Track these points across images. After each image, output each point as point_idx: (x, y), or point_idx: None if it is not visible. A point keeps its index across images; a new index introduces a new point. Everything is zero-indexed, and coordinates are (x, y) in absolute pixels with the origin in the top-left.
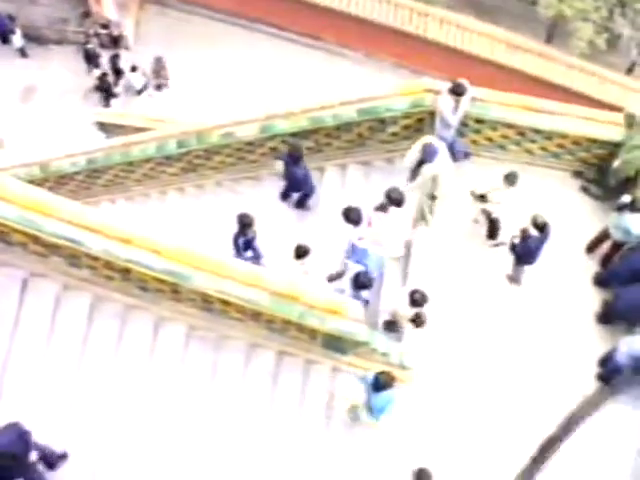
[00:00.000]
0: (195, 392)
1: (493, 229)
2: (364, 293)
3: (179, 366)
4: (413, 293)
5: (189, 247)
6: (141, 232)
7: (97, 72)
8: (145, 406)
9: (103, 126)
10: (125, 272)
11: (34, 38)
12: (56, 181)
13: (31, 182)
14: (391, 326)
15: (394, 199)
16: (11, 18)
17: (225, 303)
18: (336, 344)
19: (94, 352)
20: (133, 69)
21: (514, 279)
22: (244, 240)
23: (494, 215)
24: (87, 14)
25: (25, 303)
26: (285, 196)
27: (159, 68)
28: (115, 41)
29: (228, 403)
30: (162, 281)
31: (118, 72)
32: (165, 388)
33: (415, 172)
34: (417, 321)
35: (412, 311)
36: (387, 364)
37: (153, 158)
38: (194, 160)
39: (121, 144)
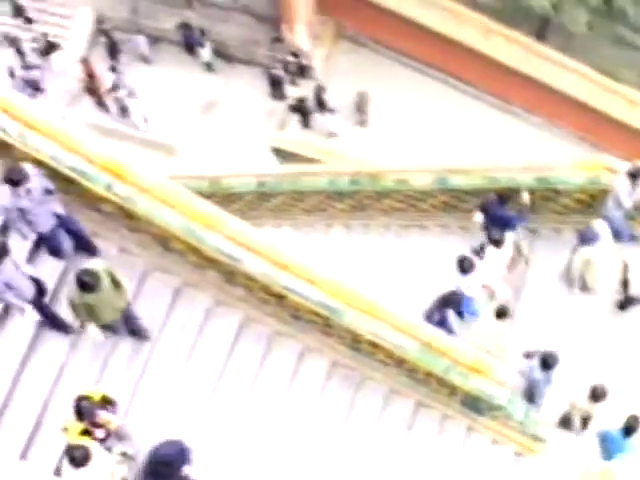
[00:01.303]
0: (329, 429)
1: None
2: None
3: (317, 400)
4: (595, 388)
5: (347, 283)
6: (300, 261)
7: (295, 93)
8: (279, 433)
9: (278, 151)
10: (280, 298)
11: (222, 55)
12: (224, 198)
13: (199, 195)
14: (566, 423)
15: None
16: (202, 32)
17: (373, 345)
18: (474, 403)
19: (235, 371)
20: (332, 111)
21: None
22: (439, 317)
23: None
24: (279, 39)
25: (175, 311)
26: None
27: (362, 104)
28: (302, 70)
29: (361, 444)
30: (315, 313)
31: (321, 104)
32: (300, 420)
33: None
34: None
35: (592, 406)
36: (521, 433)
37: (324, 191)
38: (364, 200)
39: (294, 172)
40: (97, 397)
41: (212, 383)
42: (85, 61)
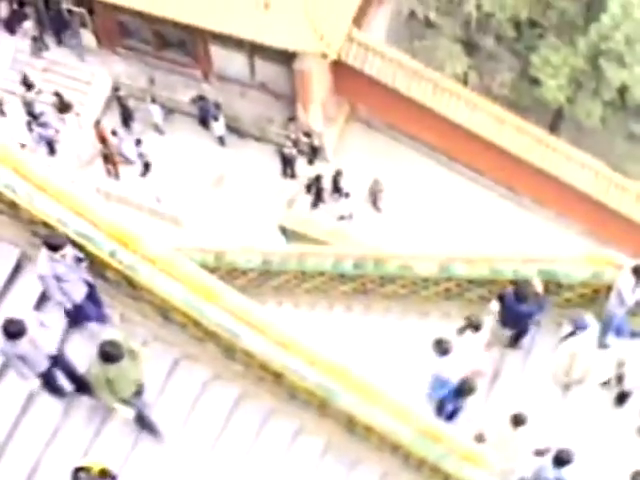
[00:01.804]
0: None
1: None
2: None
3: (311, 479)
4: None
5: (344, 365)
6: (301, 340)
7: (310, 172)
8: None
9: (285, 230)
10: (278, 375)
11: (235, 130)
12: (228, 273)
13: (203, 268)
14: None
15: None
16: (217, 106)
17: (368, 429)
18: None
19: (228, 444)
20: (347, 195)
21: None
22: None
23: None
24: (292, 119)
25: (172, 382)
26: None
27: (377, 190)
28: (314, 151)
29: None
30: (312, 393)
31: (337, 188)
32: None
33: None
34: None
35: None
36: None
37: (327, 273)
38: (367, 283)
39: (299, 252)
40: (96, 469)
41: (205, 456)
42: (98, 125)
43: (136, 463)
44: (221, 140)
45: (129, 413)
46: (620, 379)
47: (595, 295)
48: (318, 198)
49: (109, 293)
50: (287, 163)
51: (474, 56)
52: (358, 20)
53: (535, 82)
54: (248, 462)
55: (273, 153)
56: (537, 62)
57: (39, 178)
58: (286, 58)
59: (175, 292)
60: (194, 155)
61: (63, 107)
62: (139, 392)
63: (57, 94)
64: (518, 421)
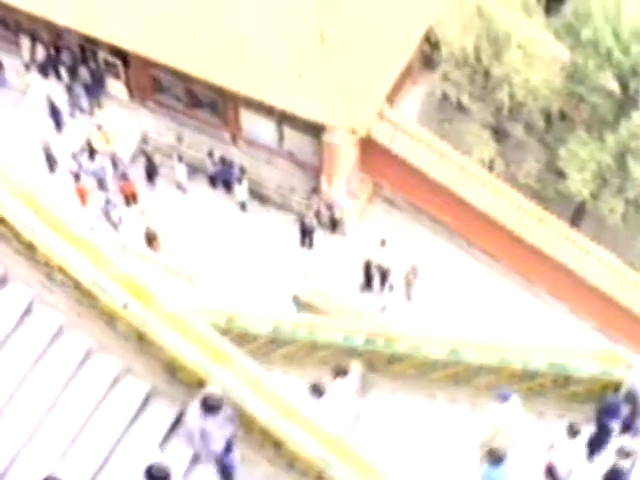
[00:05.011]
0: None
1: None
2: None
3: None
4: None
5: (345, 438)
6: (300, 409)
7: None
8: None
9: (297, 300)
10: (278, 444)
11: (258, 195)
12: (239, 336)
13: (214, 329)
14: None
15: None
16: (242, 170)
17: None
18: None
19: None
20: (391, 288)
21: None
22: None
23: None
24: (316, 190)
25: (171, 441)
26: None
27: (412, 277)
28: (334, 224)
29: None
30: (310, 463)
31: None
32: None
33: None
34: None
35: None
36: None
37: (337, 346)
38: (375, 360)
39: (310, 323)
40: None
41: None
42: (124, 176)
43: None
44: (242, 204)
45: None
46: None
47: (603, 390)
48: (368, 283)
49: (118, 343)
50: (306, 233)
51: (502, 143)
52: (390, 98)
53: (560, 174)
54: None
55: (293, 222)
56: (564, 155)
57: (58, 222)
58: (315, 129)
59: (185, 351)
60: (214, 216)
61: (91, 153)
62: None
63: (88, 140)
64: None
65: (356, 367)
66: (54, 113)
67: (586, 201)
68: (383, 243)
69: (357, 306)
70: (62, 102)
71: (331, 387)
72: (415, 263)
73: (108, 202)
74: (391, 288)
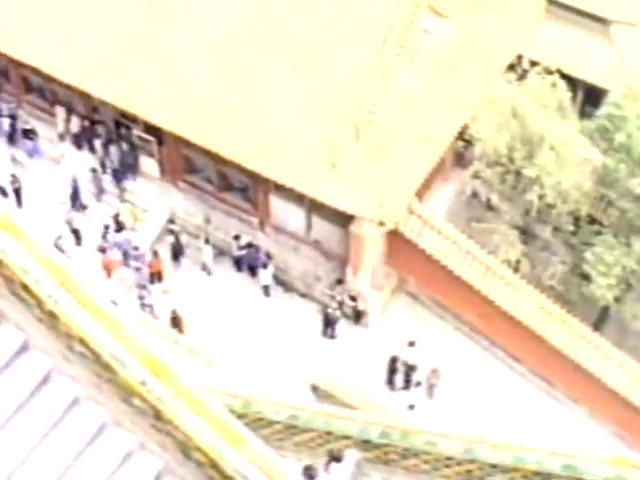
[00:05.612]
0: None
1: None
2: None
3: None
4: None
5: None
6: None
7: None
8: None
9: (316, 388)
10: None
11: (282, 282)
12: (254, 421)
13: (231, 412)
14: None
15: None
16: (268, 255)
17: None
18: None
19: None
20: (418, 384)
21: None
22: None
23: None
24: (340, 281)
25: None
26: None
27: (435, 379)
28: (357, 315)
29: None
30: None
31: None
32: None
33: None
34: None
35: None
36: None
37: (352, 437)
38: (389, 453)
39: (327, 412)
40: None
41: None
42: (155, 254)
43: None
44: (266, 289)
45: None
46: None
47: None
48: (391, 378)
49: (133, 420)
50: (329, 323)
51: (529, 244)
52: (420, 193)
53: (585, 277)
54: None
55: (316, 311)
56: (591, 258)
57: (80, 293)
58: (343, 219)
59: (201, 432)
60: (237, 299)
61: (119, 228)
62: None
63: (115, 215)
64: None
65: (352, 454)
66: (75, 195)
67: (610, 305)
68: (412, 344)
69: (377, 399)
70: (87, 184)
71: (324, 471)
72: (437, 366)
73: (143, 287)
74: (418, 384)
